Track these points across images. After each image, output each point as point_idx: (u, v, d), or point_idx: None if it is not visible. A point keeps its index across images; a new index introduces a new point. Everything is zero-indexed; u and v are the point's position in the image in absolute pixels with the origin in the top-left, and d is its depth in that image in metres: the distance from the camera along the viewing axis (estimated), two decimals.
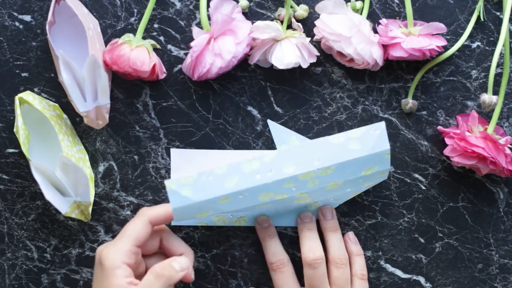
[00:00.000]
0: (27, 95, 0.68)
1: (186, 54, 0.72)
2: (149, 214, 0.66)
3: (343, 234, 0.72)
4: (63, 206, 0.67)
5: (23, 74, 0.72)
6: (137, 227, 0.65)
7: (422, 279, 0.73)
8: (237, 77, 0.72)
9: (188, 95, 0.72)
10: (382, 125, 0.65)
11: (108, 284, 0.62)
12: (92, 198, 0.70)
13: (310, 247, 0.68)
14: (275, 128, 0.72)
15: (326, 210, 0.71)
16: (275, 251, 0.70)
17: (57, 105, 0.71)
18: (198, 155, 0.72)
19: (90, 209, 0.70)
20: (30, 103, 0.67)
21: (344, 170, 0.66)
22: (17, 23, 0.72)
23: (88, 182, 0.68)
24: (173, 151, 0.72)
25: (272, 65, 0.71)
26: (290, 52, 0.68)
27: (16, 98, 0.67)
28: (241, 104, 0.72)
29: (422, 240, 0.73)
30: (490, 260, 0.73)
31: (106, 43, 0.71)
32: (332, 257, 0.69)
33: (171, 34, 0.72)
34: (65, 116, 0.71)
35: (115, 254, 0.63)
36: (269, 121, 0.70)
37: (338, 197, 0.70)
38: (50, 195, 0.66)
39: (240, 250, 0.73)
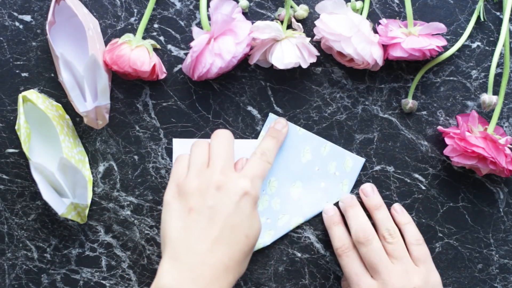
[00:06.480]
0: (31, 94, 0.68)
1: (186, 54, 0.72)
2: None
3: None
4: (60, 206, 0.67)
5: (23, 74, 0.72)
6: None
7: None
8: (237, 77, 0.72)
9: (188, 95, 0.72)
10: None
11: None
12: (89, 201, 0.70)
13: (357, 225, 0.69)
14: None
15: (366, 187, 0.72)
16: (340, 236, 0.70)
17: (60, 105, 0.71)
18: None
19: (86, 211, 0.70)
20: (34, 102, 0.67)
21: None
22: (17, 23, 0.72)
23: (86, 184, 0.68)
24: (175, 141, 0.72)
25: (272, 65, 0.71)
26: (290, 52, 0.68)
27: (20, 96, 0.67)
28: (241, 104, 0.72)
29: None
30: (490, 260, 0.73)
31: (106, 43, 0.71)
32: (382, 234, 0.69)
33: (171, 34, 0.72)
34: (67, 116, 0.71)
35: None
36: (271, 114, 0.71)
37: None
38: (48, 195, 0.66)
39: None
